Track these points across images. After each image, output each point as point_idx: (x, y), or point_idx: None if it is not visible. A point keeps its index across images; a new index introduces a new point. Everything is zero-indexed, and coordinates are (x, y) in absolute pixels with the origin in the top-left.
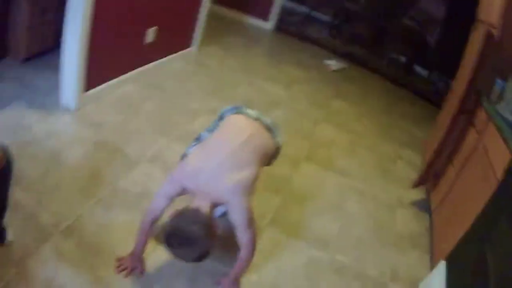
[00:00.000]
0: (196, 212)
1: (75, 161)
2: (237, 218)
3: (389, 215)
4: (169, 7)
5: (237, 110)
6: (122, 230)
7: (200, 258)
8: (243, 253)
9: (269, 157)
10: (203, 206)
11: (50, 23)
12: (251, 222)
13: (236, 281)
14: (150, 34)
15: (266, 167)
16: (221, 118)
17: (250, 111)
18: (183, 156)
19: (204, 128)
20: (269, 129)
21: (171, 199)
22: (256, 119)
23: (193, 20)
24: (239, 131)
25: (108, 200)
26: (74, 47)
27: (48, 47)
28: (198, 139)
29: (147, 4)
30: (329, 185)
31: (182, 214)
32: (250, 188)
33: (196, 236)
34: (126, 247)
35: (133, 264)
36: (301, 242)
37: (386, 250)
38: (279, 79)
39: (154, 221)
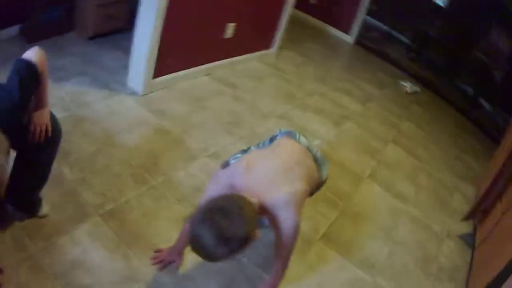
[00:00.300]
0: (243, 200)
1: (132, 145)
2: (283, 231)
3: (436, 246)
4: (250, 5)
5: (289, 135)
6: (167, 222)
7: (223, 258)
8: (277, 266)
9: (313, 188)
10: (253, 201)
11: (123, 3)
12: (295, 238)
13: None
14: (229, 30)
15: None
16: (271, 140)
17: (302, 139)
18: (225, 165)
19: (268, 134)
20: (316, 160)
21: None
22: (307, 148)
23: (274, 22)
24: (292, 153)
25: (160, 190)
26: (146, 31)
27: (119, 28)
28: (244, 151)
29: None
30: (385, 207)
31: (228, 202)
32: (300, 204)
33: (237, 235)
34: (167, 240)
35: (171, 258)
36: (348, 260)
37: (426, 280)
38: (353, 93)
39: None
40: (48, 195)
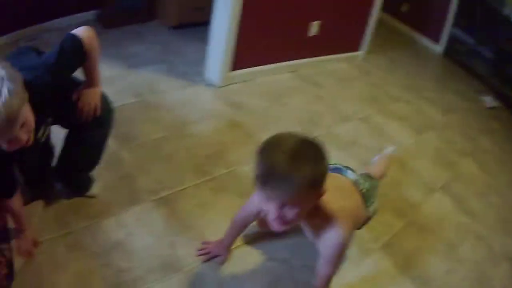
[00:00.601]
0: None
1: (201, 135)
2: (328, 248)
3: (493, 268)
4: (336, 4)
5: (337, 171)
6: (221, 215)
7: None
8: (318, 283)
9: (359, 222)
10: None
11: None
12: (341, 258)
13: None
14: (314, 28)
15: None
16: None
17: (350, 173)
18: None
19: (346, 137)
20: (363, 196)
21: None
22: (354, 183)
23: (362, 24)
24: (343, 185)
25: (220, 181)
26: (223, 23)
27: (203, 19)
28: None
29: None
30: (453, 222)
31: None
32: (353, 222)
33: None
34: (217, 234)
35: (217, 251)
36: (404, 274)
37: None
38: (436, 103)
39: (246, 221)
40: (103, 177)
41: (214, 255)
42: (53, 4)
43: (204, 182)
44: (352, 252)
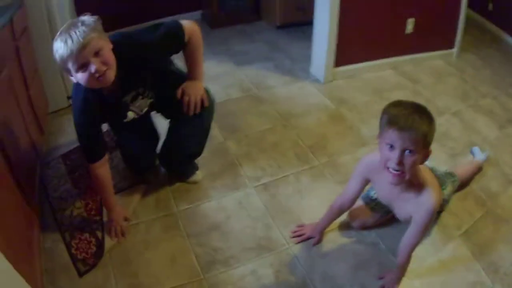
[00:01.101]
0: None
1: (305, 127)
2: (422, 213)
3: None
4: (427, 1)
5: None
6: (319, 201)
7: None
8: (401, 253)
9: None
10: None
11: None
12: (428, 226)
13: (399, 280)
14: (409, 25)
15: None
16: None
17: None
18: None
19: (440, 130)
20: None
21: (359, 189)
22: (431, 168)
23: (452, 21)
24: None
25: (320, 169)
26: (324, 22)
27: (307, 19)
28: None
29: None
30: None
31: None
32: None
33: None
34: (313, 218)
35: (311, 233)
36: (478, 262)
37: None
38: None
39: (342, 206)
40: (209, 165)
41: (308, 236)
42: (159, 4)
43: (304, 170)
44: (435, 236)
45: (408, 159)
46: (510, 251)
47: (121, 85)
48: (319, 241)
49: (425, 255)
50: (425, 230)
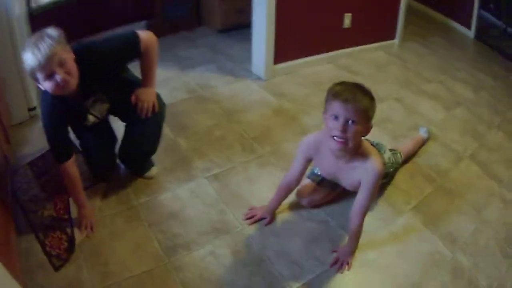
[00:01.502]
0: None
1: (248, 121)
2: (368, 176)
3: None
4: None
5: None
6: (267, 185)
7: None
8: (353, 220)
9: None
10: None
11: None
12: (376, 189)
13: (352, 252)
14: (346, 20)
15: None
16: None
17: None
18: None
19: (382, 116)
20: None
21: (302, 168)
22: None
23: (393, 13)
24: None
25: (266, 158)
26: (261, 21)
27: (247, 21)
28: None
29: None
30: (480, 187)
31: None
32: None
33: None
34: (263, 201)
35: (262, 215)
36: (432, 233)
37: (503, 262)
38: (469, 82)
39: (289, 186)
40: (162, 161)
41: (260, 217)
42: (106, 16)
43: (251, 159)
44: (385, 212)
45: (351, 128)
46: (467, 222)
47: (82, 91)
48: (271, 221)
49: (376, 229)
50: (373, 194)
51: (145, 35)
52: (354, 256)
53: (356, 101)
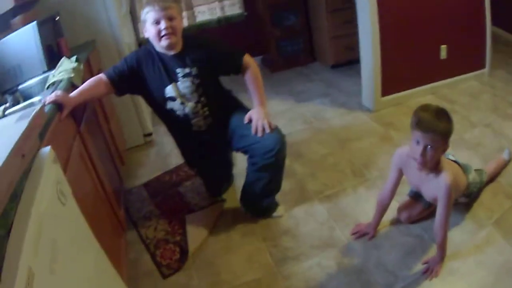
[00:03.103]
0: None
1: (358, 148)
2: (440, 189)
3: None
4: (455, 25)
5: None
6: (373, 205)
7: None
8: (436, 232)
9: (460, 181)
10: None
11: (353, 35)
12: (450, 200)
13: (441, 260)
14: (443, 51)
15: None
16: None
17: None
18: None
19: (474, 141)
20: (461, 166)
21: (395, 180)
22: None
23: (481, 43)
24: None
25: (373, 181)
26: (368, 58)
27: (355, 57)
28: None
29: (436, 23)
30: None
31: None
32: (454, 175)
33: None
34: (368, 219)
35: (367, 230)
36: (509, 244)
37: None
38: None
39: (384, 198)
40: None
41: (363, 233)
42: None
43: (360, 182)
44: (469, 226)
45: (430, 152)
46: None
47: (179, 56)
48: (373, 236)
49: (461, 241)
50: (448, 206)
51: (249, 57)
52: (442, 264)
53: (435, 130)
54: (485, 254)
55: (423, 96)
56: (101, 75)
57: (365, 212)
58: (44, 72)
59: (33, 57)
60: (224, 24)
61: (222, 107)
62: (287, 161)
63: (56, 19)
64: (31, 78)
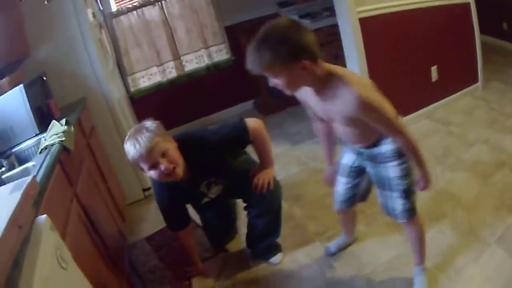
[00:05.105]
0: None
1: None
2: (350, 111)
3: None
4: (444, 43)
5: None
6: (373, 240)
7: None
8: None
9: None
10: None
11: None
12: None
13: (425, 175)
14: (433, 73)
15: None
16: None
17: None
18: None
19: (473, 159)
20: None
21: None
22: None
23: (471, 57)
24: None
25: (372, 217)
26: None
27: None
28: None
29: (425, 45)
30: None
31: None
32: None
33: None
34: (370, 255)
35: (331, 174)
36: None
37: None
38: None
39: (320, 133)
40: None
41: (332, 176)
42: (214, 99)
43: (359, 220)
44: (472, 247)
45: (274, 81)
46: None
47: (193, 177)
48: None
49: (464, 265)
50: (384, 116)
51: (252, 124)
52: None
53: (259, 59)
54: (490, 271)
55: (418, 122)
56: (179, 233)
57: (367, 248)
58: (36, 134)
59: (24, 121)
60: (213, 71)
61: (237, 176)
62: (286, 205)
63: (44, 79)
64: (24, 141)
